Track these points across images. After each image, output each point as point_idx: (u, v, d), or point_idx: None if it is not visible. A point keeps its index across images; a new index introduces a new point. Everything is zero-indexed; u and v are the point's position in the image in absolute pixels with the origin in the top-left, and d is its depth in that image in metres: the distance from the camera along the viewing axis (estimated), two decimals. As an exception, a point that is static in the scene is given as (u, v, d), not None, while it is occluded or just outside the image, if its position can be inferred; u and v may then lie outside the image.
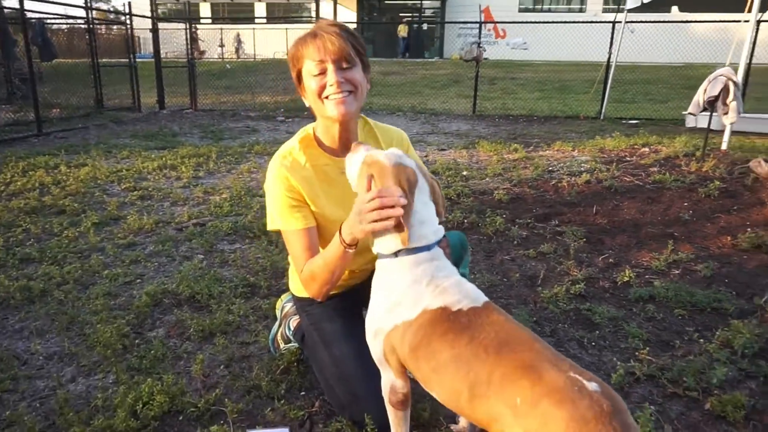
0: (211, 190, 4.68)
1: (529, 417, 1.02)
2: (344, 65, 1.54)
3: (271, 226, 1.70)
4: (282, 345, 2.15)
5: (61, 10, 11.38)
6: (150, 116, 10.18)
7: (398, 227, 1.28)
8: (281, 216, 1.64)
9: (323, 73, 1.54)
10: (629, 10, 9.92)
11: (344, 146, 1.71)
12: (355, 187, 1.45)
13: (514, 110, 11.30)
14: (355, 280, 1.88)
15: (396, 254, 1.33)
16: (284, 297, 2.22)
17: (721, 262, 3.08)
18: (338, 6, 11.47)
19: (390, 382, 1.43)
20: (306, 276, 1.63)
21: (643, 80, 14.72)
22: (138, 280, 2.91)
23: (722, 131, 6.08)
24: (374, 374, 1.70)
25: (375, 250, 1.40)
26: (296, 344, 2.10)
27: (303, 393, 1.97)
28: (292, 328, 2.09)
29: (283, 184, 1.63)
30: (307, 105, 1.66)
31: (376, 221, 1.27)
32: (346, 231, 1.43)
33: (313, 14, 10.30)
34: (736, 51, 6.50)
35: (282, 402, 1.88)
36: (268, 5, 28.22)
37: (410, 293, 1.30)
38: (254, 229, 3.60)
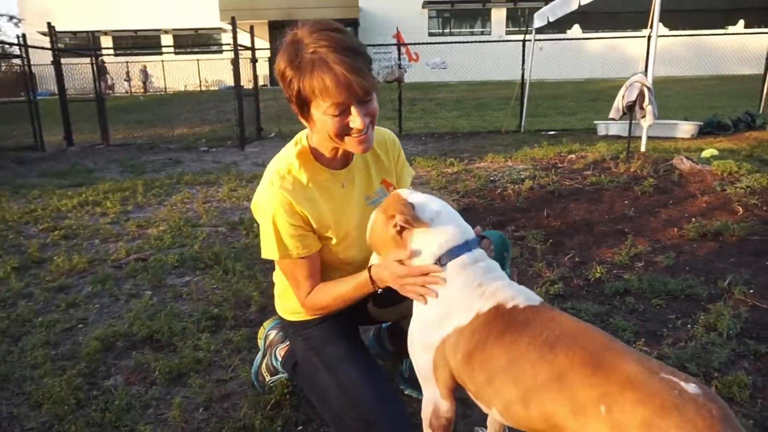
0: (145, 223, 4.31)
1: (622, 429, 0.89)
2: (366, 99, 1.35)
3: (267, 255, 1.51)
4: (268, 378, 1.93)
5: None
6: (57, 154, 9.40)
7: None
8: (280, 244, 1.46)
9: (344, 112, 1.33)
10: (537, 30, 10.50)
11: (344, 158, 1.57)
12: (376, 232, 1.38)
13: (437, 128, 11.55)
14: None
15: (440, 262, 1.22)
16: (267, 324, 2.01)
17: (676, 252, 3.19)
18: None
19: (434, 402, 1.28)
20: (314, 305, 1.54)
21: (550, 96, 15.63)
22: (80, 325, 2.56)
23: (634, 137, 6.46)
24: (389, 398, 1.56)
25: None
26: (285, 375, 1.90)
27: (300, 428, 1.78)
28: (279, 358, 1.89)
29: (285, 210, 1.43)
30: (306, 125, 1.46)
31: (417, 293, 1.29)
32: (379, 277, 1.38)
33: (229, 40, 10.01)
34: (639, 66, 6.98)
35: (281, 440, 1.67)
36: (174, 36, 27.38)
37: (461, 299, 1.19)
38: (204, 259, 3.32)
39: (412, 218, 1.25)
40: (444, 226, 1.27)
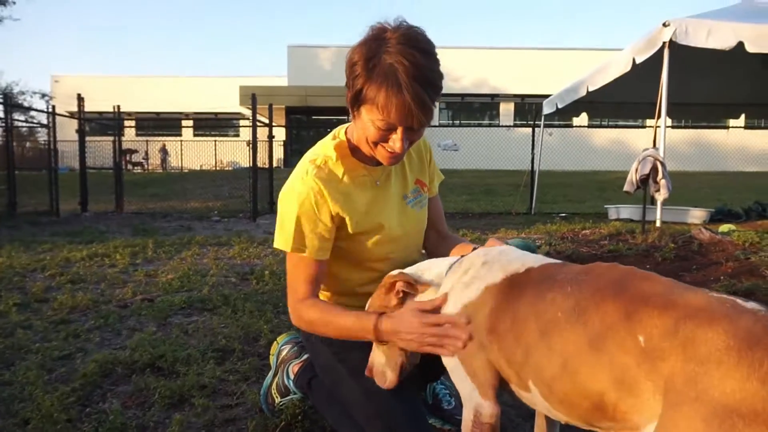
0: (153, 272, 4.22)
1: (663, 354, 0.78)
2: (415, 128, 1.31)
3: (279, 244, 1.42)
4: (278, 399, 1.77)
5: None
6: (71, 218, 9.46)
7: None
8: (297, 236, 1.38)
9: (390, 130, 1.29)
10: (545, 116, 10.87)
11: None
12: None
13: (447, 209, 11.58)
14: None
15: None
16: (281, 339, 1.87)
17: (707, 308, 3.04)
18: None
19: (473, 408, 1.13)
20: (303, 315, 1.40)
21: (558, 184, 15.87)
22: (79, 353, 2.41)
23: (640, 221, 6.39)
24: (418, 412, 1.42)
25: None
26: (296, 396, 1.74)
27: (312, 452, 1.59)
28: (292, 375, 1.74)
29: (315, 201, 1.37)
30: (350, 117, 1.42)
31: (433, 344, 1.19)
32: (390, 329, 1.25)
33: (249, 119, 10.41)
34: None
35: (292, 461, 1.49)
36: (194, 119, 28.55)
37: (463, 280, 1.17)
38: (213, 301, 3.19)
39: (414, 281, 1.27)
40: (448, 277, 1.25)
